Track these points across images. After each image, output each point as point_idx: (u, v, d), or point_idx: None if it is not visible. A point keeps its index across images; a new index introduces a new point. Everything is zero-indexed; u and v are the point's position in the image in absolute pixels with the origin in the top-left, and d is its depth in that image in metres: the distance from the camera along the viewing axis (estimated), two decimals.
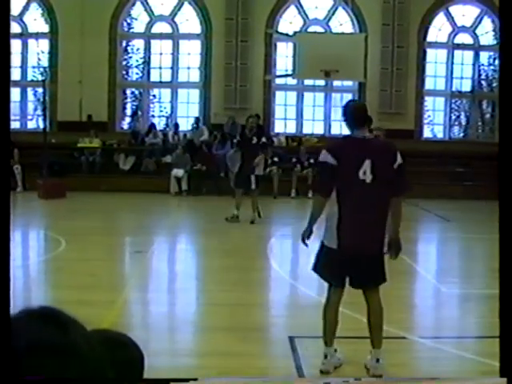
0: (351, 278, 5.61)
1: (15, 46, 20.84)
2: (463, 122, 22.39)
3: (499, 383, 1.80)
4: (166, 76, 21.64)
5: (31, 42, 21.29)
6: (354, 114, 5.54)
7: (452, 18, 21.69)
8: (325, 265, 5.58)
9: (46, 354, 1.07)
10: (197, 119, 20.74)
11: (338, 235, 5.36)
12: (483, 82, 22.16)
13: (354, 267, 5.51)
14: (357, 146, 5.42)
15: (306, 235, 5.59)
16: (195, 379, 1.30)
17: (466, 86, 22.08)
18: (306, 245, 5.60)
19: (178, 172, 18.86)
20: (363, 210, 5.34)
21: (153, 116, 21.75)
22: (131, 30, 21.59)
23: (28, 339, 1.08)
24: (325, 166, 5.36)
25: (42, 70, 21.23)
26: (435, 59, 21.93)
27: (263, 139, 13.56)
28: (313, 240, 5.65)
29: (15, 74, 20.90)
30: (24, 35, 21.08)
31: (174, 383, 1.38)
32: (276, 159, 19.33)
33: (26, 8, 21.05)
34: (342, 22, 21.43)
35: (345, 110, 5.66)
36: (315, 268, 5.74)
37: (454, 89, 22.00)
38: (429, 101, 22.15)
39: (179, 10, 21.34)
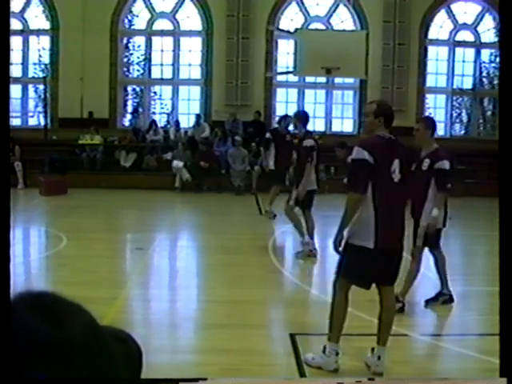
0: (381, 276, 5.56)
1: (16, 42, 20.82)
2: (464, 119, 22.38)
3: (499, 383, 1.80)
4: (167, 73, 21.64)
5: (32, 38, 21.27)
6: (391, 113, 5.67)
7: (453, 15, 21.66)
8: (356, 266, 5.48)
9: (38, 352, 1.00)
10: (198, 116, 20.73)
11: (376, 234, 5.34)
12: (484, 80, 22.14)
13: (387, 265, 5.53)
14: (386, 145, 5.49)
15: (339, 241, 5.45)
16: (205, 379, 1.29)
17: (468, 84, 22.06)
18: (340, 253, 5.49)
19: (179, 163, 18.85)
20: (395, 209, 5.47)
21: (154, 113, 21.73)
22: (132, 27, 21.58)
23: (20, 335, 1.00)
24: (362, 163, 5.32)
25: (43, 66, 21.22)
26: (436, 56, 21.91)
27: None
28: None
29: (16, 71, 20.89)
30: (25, 32, 21.06)
31: (184, 383, 1.37)
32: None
33: (27, 5, 21.03)
34: (344, 19, 21.41)
35: (380, 109, 5.63)
36: (345, 273, 5.58)
37: (455, 86, 21.99)
38: (430, 98, 22.14)
39: (180, 6, 21.32)
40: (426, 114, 22.00)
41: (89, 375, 1.02)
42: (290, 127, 12.98)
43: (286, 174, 12.57)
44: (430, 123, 7.66)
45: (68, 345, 1.01)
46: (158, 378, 1.18)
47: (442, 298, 7.69)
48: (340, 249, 5.46)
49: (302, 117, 10.71)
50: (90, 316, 1.09)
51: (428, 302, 7.69)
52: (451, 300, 7.67)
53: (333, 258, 10.04)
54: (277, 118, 21.69)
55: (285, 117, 13.72)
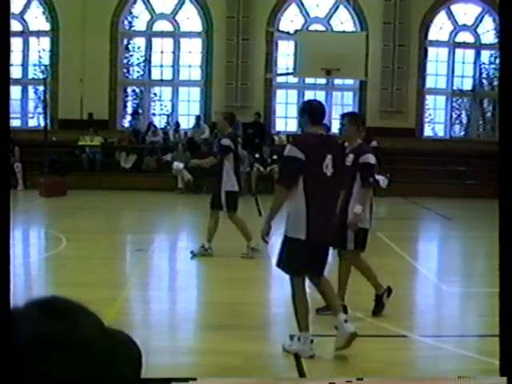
0: (315, 266, 5.96)
1: (16, 43, 20.83)
2: (464, 120, 22.38)
3: (499, 383, 1.80)
4: (167, 74, 21.65)
5: (32, 39, 21.28)
6: (317, 111, 6.03)
7: (453, 16, 21.67)
8: (292, 256, 5.82)
9: (51, 347, 1.05)
10: (198, 117, 20.74)
11: (308, 226, 5.68)
12: (484, 81, 22.15)
13: (320, 255, 5.94)
14: (318, 141, 5.86)
15: (266, 232, 5.95)
16: (194, 379, 1.30)
17: (467, 85, 22.07)
18: (267, 242, 6.03)
19: (179, 165, 18.85)
20: (328, 202, 5.82)
21: (154, 114, 21.74)
22: (132, 28, 21.59)
23: (33, 332, 1.06)
24: (293, 160, 5.71)
25: (43, 68, 21.23)
26: (436, 58, 21.92)
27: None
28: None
29: (16, 72, 20.90)
30: (25, 33, 21.07)
31: (176, 383, 1.38)
32: (275, 157, 19.33)
33: (27, 6, 21.04)
34: (343, 21, 21.42)
35: (304, 108, 6.11)
36: (280, 263, 6.03)
37: (455, 87, 22.00)
38: (430, 99, 22.14)
39: (180, 8, 21.33)
40: (426, 115, 22.04)
41: (98, 374, 1.06)
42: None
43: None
44: (356, 119, 7.24)
45: (81, 343, 1.06)
46: (149, 378, 1.22)
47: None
48: (267, 239, 5.99)
49: (229, 117, 10.61)
50: (98, 318, 1.15)
51: (319, 311, 6.92)
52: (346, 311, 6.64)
53: (331, 260, 10.05)
54: (277, 120, 21.75)
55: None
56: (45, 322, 1.06)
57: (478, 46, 21.85)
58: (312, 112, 5.98)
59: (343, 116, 7.50)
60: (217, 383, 2.50)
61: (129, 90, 21.79)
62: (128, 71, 21.67)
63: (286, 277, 9.21)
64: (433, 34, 21.69)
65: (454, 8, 21.68)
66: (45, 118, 18.96)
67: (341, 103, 22.03)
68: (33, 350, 1.03)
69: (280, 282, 8.99)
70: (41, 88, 20.80)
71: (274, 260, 10.13)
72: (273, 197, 5.97)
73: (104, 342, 1.10)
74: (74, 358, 1.05)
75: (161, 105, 21.82)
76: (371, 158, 6.95)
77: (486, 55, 21.84)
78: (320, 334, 6.57)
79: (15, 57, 20.70)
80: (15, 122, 20.84)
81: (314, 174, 5.71)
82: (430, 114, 22.21)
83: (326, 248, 6.00)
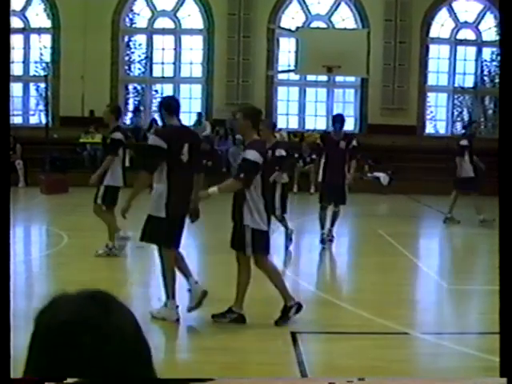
0: (173, 240, 6.71)
1: (17, 41, 20.83)
2: (465, 117, 22.36)
3: (499, 383, 1.80)
4: (169, 71, 21.65)
5: (33, 37, 21.29)
6: (172, 105, 6.82)
7: (455, 13, 21.65)
8: (157, 232, 6.60)
9: (87, 329, 1.20)
10: (199, 114, 20.73)
11: (167, 206, 6.46)
12: (486, 78, 22.14)
13: (179, 229, 6.73)
14: (178, 132, 6.71)
15: (125, 210, 7.03)
16: (212, 379, 1.40)
17: (469, 82, 22.06)
18: (125, 218, 6.95)
19: None
20: (185, 183, 6.58)
21: (155, 111, 21.73)
22: (133, 26, 21.59)
23: (74, 314, 1.23)
24: (156, 149, 6.45)
25: (44, 65, 21.23)
26: (438, 55, 21.91)
27: (354, 142, 10.90)
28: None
29: (17, 69, 20.91)
30: (26, 30, 21.07)
31: (194, 383, 1.49)
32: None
33: (28, 3, 21.04)
34: (345, 18, 21.41)
35: (161, 103, 6.92)
36: (144, 238, 6.81)
37: (456, 85, 21.99)
38: (431, 97, 22.14)
39: (181, 5, 21.32)
40: (427, 112, 22.02)
41: (124, 363, 1.22)
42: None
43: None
44: (249, 113, 6.72)
45: (117, 331, 1.23)
46: (166, 378, 1.30)
47: (229, 317, 6.65)
48: (125, 215, 6.99)
49: (115, 109, 10.42)
50: (134, 316, 1.33)
51: (214, 317, 6.67)
52: (243, 320, 6.58)
53: (332, 258, 10.06)
54: (278, 117, 21.74)
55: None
56: (87, 308, 1.26)
57: (479, 43, 21.83)
58: (168, 106, 6.77)
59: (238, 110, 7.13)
60: (233, 383, 2.51)
61: (130, 87, 21.80)
62: (129, 68, 21.67)
63: (288, 275, 9.22)
64: (434, 32, 21.67)
65: (455, 5, 21.66)
66: (46, 116, 18.96)
67: (342, 100, 22.02)
68: (70, 332, 1.20)
69: None
70: (42, 85, 20.79)
71: (277, 259, 10.16)
72: (136, 180, 6.81)
73: (134, 337, 1.25)
74: (107, 343, 1.19)
75: None
76: (251, 154, 6.42)
77: (487, 52, 21.83)
78: (321, 332, 6.57)
79: (16, 54, 20.70)
80: (16, 120, 20.85)
81: (174, 160, 6.47)
82: (431, 112, 22.21)
83: (182, 223, 6.76)
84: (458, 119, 22.35)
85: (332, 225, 10.97)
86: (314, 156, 18.69)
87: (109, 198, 9.61)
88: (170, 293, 6.62)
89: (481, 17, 21.68)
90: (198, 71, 21.59)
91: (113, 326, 1.22)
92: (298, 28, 19.61)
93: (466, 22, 21.77)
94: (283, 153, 9.98)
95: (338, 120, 11.01)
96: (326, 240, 10.82)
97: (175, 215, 6.59)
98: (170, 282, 6.67)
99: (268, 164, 8.75)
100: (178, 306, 6.56)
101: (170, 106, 6.81)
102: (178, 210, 6.58)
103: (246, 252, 6.52)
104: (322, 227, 10.90)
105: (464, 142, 13.56)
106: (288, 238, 10.64)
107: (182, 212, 6.66)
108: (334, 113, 21.08)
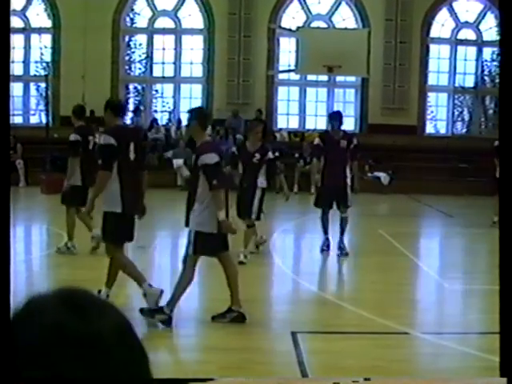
0: (127, 235, 7.01)
1: (18, 40, 20.83)
2: (466, 117, 22.37)
3: (499, 383, 1.80)
4: (169, 71, 21.64)
5: (34, 36, 21.28)
6: (118, 106, 7.26)
7: (455, 13, 21.65)
8: (112, 228, 6.83)
9: (60, 340, 1.01)
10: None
11: (122, 201, 6.70)
12: (486, 78, 22.14)
13: (130, 226, 6.96)
14: (124, 131, 7.10)
15: (90, 209, 7.38)
16: (211, 379, 1.31)
17: (469, 82, 22.06)
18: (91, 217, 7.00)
19: (179, 161, 18.79)
20: (134, 179, 6.87)
21: (155, 111, 21.75)
22: (134, 25, 21.59)
23: (46, 323, 1.03)
24: (109, 147, 6.68)
25: (44, 64, 21.23)
26: (438, 55, 21.91)
27: (355, 141, 10.23)
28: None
29: (18, 69, 20.90)
30: (27, 30, 21.07)
31: (193, 383, 1.40)
32: (277, 154, 19.31)
33: (28, 3, 21.04)
34: (345, 18, 21.41)
35: (110, 104, 7.22)
36: (107, 236, 7.01)
37: (456, 84, 21.99)
38: (432, 96, 22.13)
39: (182, 4, 21.32)
40: (428, 112, 22.02)
41: (106, 373, 1.03)
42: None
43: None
44: (199, 114, 6.75)
45: (94, 340, 1.03)
46: (167, 378, 1.20)
47: (230, 315, 6.60)
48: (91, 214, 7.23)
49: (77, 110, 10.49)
50: (122, 318, 1.11)
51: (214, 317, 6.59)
52: (169, 323, 6.41)
53: (333, 257, 10.06)
54: (279, 116, 21.74)
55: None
56: (60, 313, 1.03)
57: (479, 43, 21.83)
58: (114, 107, 7.13)
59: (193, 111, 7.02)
60: (234, 383, 2.51)
61: (130, 86, 21.80)
62: (130, 68, 21.67)
63: (289, 274, 9.22)
64: (435, 31, 21.67)
65: (455, 5, 21.66)
66: (46, 115, 18.96)
67: (343, 100, 22.01)
68: (42, 341, 1.01)
69: (281, 280, 9.00)
70: (42, 85, 20.79)
71: (278, 259, 10.18)
72: (97, 179, 6.92)
73: (118, 344, 1.05)
74: (82, 356, 1.01)
75: (162, 102, 21.82)
76: (210, 158, 6.32)
77: (487, 52, 21.83)
78: (321, 331, 6.58)
79: (17, 54, 20.70)
80: (17, 119, 20.84)
81: (123, 158, 6.74)
82: (431, 111, 22.21)
83: (133, 219, 7.00)
84: (459, 119, 22.35)
85: (342, 233, 10.13)
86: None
87: (68, 197, 9.66)
88: (110, 282, 7.08)
89: (481, 17, 21.68)
90: (198, 71, 21.59)
91: (91, 333, 1.03)
92: (298, 28, 19.62)
93: (466, 22, 21.76)
94: (271, 156, 9.80)
95: (336, 117, 10.38)
96: (329, 249, 10.14)
97: (130, 212, 6.87)
98: (113, 274, 7.13)
99: (251, 167, 9.13)
100: (108, 295, 6.86)
101: (117, 107, 7.20)
102: (132, 206, 6.89)
103: (188, 251, 6.70)
104: (325, 232, 10.22)
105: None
106: (255, 246, 10.07)
107: (135, 209, 6.99)
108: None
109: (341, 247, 10.06)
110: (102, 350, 1.03)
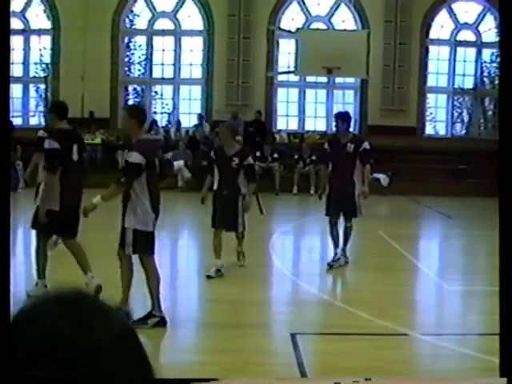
0: (67, 230, 7.35)
1: (17, 42, 20.82)
2: (465, 119, 22.38)
3: (499, 383, 1.80)
4: (168, 72, 21.64)
5: (33, 38, 21.28)
6: (63, 109, 7.68)
7: (454, 14, 21.66)
8: (49, 224, 7.15)
9: (55, 345, 0.98)
10: (200, 116, 20.73)
11: (61, 198, 7.11)
12: (485, 79, 22.14)
13: (74, 220, 7.32)
14: (67, 134, 7.39)
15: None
16: (215, 379, 1.30)
17: (469, 83, 22.06)
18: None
19: (179, 163, 18.81)
20: (75, 178, 7.27)
21: (155, 112, 21.73)
22: (133, 27, 21.59)
23: (41, 327, 0.99)
24: (53, 151, 7.06)
25: (44, 66, 21.22)
26: (437, 56, 21.91)
27: (365, 145, 9.37)
28: None
29: (17, 71, 20.89)
30: (26, 31, 21.07)
31: (196, 383, 1.37)
32: (276, 155, 19.34)
33: (28, 4, 21.03)
34: (345, 19, 21.41)
35: (51, 107, 7.92)
36: (42, 230, 7.36)
37: (456, 86, 21.99)
38: (431, 98, 22.13)
39: (181, 6, 21.32)
40: (427, 113, 22.02)
41: (109, 376, 1.00)
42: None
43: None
44: (135, 111, 6.65)
45: (94, 350, 0.99)
46: (169, 379, 1.18)
47: (152, 321, 6.44)
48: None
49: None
50: (123, 319, 1.07)
51: (135, 322, 6.20)
52: (164, 323, 6.47)
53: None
54: (278, 118, 21.74)
55: None
56: (55, 319, 1.00)
57: (479, 45, 21.83)
58: (58, 110, 7.55)
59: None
60: (237, 383, 2.51)
61: (130, 88, 21.80)
62: (129, 69, 21.67)
63: (289, 276, 9.23)
64: (434, 33, 21.67)
65: (455, 6, 21.66)
66: (45, 117, 18.94)
67: (342, 102, 22.01)
68: (38, 346, 0.98)
69: (280, 281, 9.00)
70: (42, 86, 20.80)
71: (277, 260, 10.18)
72: (46, 182, 7.17)
73: (114, 351, 1.01)
74: (77, 363, 0.97)
75: (162, 103, 21.82)
76: (132, 157, 6.36)
77: (487, 53, 21.83)
78: (320, 333, 6.58)
79: (16, 55, 20.69)
80: (16, 121, 20.82)
81: (66, 159, 7.11)
82: (431, 113, 22.21)
83: (77, 214, 7.25)
84: (458, 120, 22.36)
85: (345, 243, 9.55)
86: (314, 157, 18.79)
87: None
88: (41, 273, 7.42)
89: (480, 18, 21.69)
90: (197, 72, 21.58)
91: (89, 339, 0.99)
92: (297, 29, 19.63)
93: (465, 23, 21.77)
94: (251, 161, 8.99)
95: (342, 118, 9.47)
96: (339, 264, 9.39)
97: (68, 207, 7.18)
98: (42, 263, 7.45)
99: (229, 172, 8.64)
100: (46, 286, 7.28)
101: (61, 110, 7.60)
102: (72, 203, 7.21)
103: (125, 251, 6.60)
104: (336, 245, 9.51)
105: None
106: (240, 257, 9.34)
107: (75, 205, 7.26)
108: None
109: (344, 257, 9.54)
110: (100, 355, 0.99)
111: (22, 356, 0.99)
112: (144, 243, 6.62)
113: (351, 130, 10.38)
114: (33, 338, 0.99)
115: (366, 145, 9.31)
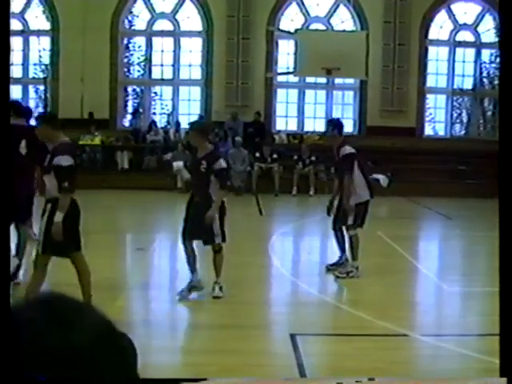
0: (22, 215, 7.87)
1: (17, 43, 20.81)
2: (465, 119, 22.38)
3: (499, 383, 1.80)
4: (168, 73, 21.64)
5: (32, 39, 21.27)
6: (20, 108, 8.08)
7: (454, 15, 21.66)
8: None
9: (44, 354, 0.99)
10: (201, 117, 20.72)
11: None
12: (485, 80, 22.15)
13: (25, 207, 7.93)
14: (16, 129, 7.34)
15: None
16: (204, 379, 1.29)
17: (468, 84, 22.07)
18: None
19: (179, 163, 18.79)
20: (24, 171, 7.70)
21: (154, 113, 21.73)
22: (132, 28, 21.59)
23: (26, 331, 1.00)
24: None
25: (43, 67, 21.22)
26: (437, 57, 21.91)
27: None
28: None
29: (16, 72, 20.88)
30: (25, 32, 21.05)
31: (185, 383, 1.37)
32: (276, 156, 19.35)
33: (27, 5, 21.03)
34: (344, 20, 21.41)
35: (14, 106, 7.83)
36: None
37: (455, 86, 21.99)
38: (430, 98, 22.13)
39: (180, 7, 21.32)
40: (427, 114, 22.03)
41: (92, 378, 1.01)
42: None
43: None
44: (48, 118, 7.02)
45: (75, 348, 1.00)
46: (159, 378, 1.18)
47: None
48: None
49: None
50: (103, 319, 1.09)
51: None
52: None
53: (332, 260, 10.05)
54: (277, 119, 21.73)
55: None
56: (38, 322, 1.01)
57: (478, 45, 21.84)
58: (16, 109, 7.83)
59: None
60: (226, 383, 2.50)
61: (129, 89, 21.79)
62: (128, 70, 21.67)
63: (288, 277, 9.23)
64: (433, 33, 21.67)
65: (454, 7, 21.67)
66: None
67: (341, 102, 22.02)
68: (20, 349, 0.99)
69: (280, 282, 9.00)
70: (41, 87, 20.79)
71: (277, 261, 10.18)
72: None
73: (96, 351, 1.02)
74: (61, 366, 0.98)
75: (161, 104, 21.82)
76: (65, 160, 6.64)
77: (486, 54, 21.84)
78: (320, 334, 6.58)
79: (15, 56, 20.68)
80: None
81: (14, 153, 7.34)
82: (430, 113, 22.21)
83: (27, 203, 7.92)
84: (457, 121, 22.37)
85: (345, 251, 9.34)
86: (313, 158, 18.81)
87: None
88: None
89: (480, 19, 21.69)
90: (197, 73, 21.58)
91: (71, 342, 1.00)
92: (297, 30, 19.61)
93: (464, 24, 21.77)
94: (223, 164, 8.00)
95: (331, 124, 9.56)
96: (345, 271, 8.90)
97: (18, 195, 7.22)
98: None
99: (199, 176, 7.91)
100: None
101: (19, 109, 8.04)
102: (21, 192, 7.57)
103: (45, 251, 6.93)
104: (341, 250, 9.31)
105: None
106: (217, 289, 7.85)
107: (24, 194, 7.86)
108: (334, 115, 21.17)
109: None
110: (82, 356, 1.00)
111: (9, 361, 0.98)
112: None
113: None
114: (17, 341, 0.99)
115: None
